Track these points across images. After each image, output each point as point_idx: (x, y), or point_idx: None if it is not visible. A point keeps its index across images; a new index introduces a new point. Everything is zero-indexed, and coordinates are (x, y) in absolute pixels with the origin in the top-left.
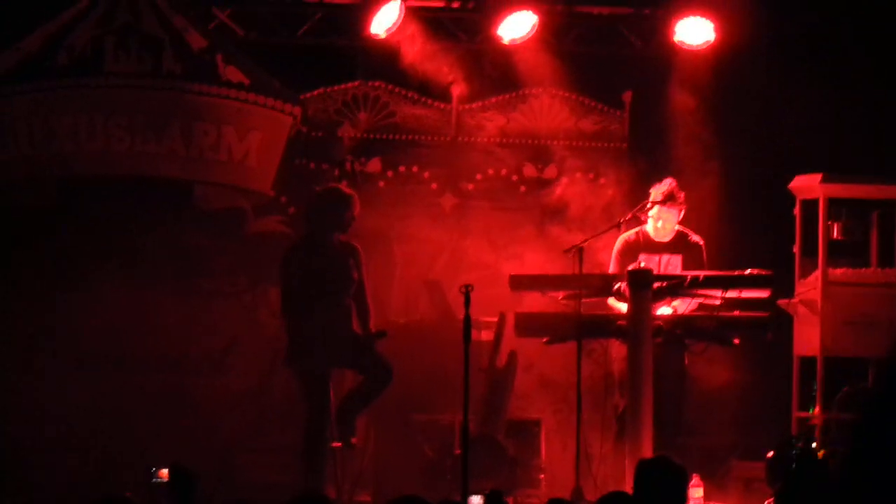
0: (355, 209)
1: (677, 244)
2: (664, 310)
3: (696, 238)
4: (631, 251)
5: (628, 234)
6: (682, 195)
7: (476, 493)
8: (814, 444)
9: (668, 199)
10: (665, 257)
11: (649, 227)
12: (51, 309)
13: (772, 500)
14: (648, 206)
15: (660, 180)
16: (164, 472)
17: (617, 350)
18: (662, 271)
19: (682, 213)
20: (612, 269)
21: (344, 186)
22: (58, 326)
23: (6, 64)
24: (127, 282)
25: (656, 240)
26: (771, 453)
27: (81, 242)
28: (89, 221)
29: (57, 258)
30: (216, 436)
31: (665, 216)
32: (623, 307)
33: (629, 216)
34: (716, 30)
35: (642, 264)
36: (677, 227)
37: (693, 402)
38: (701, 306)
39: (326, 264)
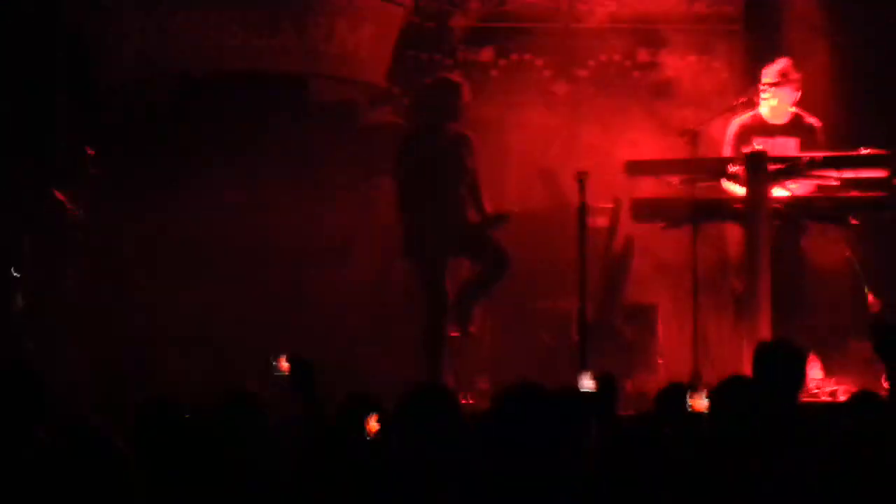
0: (466, 97)
1: (793, 126)
2: (780, 192)
3: (811, 120)
4: (746, 134)
5: (743, 118)
6: (797, 75)
7: (589, 374)
8: None
9: (782, 79)
10: (780, 140)
11: (764, 110)
12: (169, 207)
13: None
14: (762, 87)
15: (773, 62)
16: (284, 363)
17: (733, 233)
18: (778, 153)
19: (798, 94)
20: (726, 152)
21: (453, 75)
22: (177, 224)
23: None
24: (244, 177)
25: (771, 122)
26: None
27: (197, 139)
28: (204, 118)
29: (173, 156)
30: (337, 329)
31: (780, 96)
32: (739, 190)
33: (743, 99)
34: None
35: (758, 147)
36: (792, 108)
37: (810, 282)
38: (818, 188)
39: (439, 154)
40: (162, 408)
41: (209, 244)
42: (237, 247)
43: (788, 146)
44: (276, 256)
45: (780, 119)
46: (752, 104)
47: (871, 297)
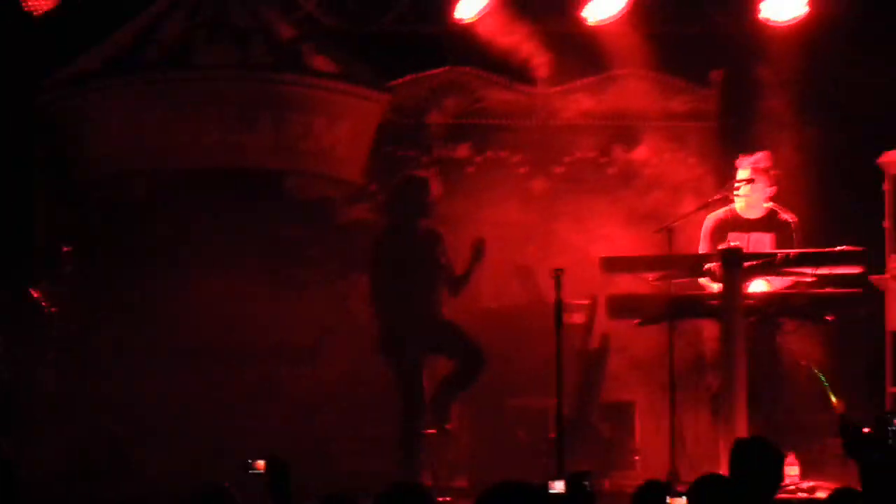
0: (434, 192)
1: (768, 222)
2: (758, 285)
3: (787, 216)
4: (721, 230)
5: (718, 213)
6: (772, 169)
7: (560, 477)
8: None
9: (757, 174)
10: (755, 235)
11: (739, 205)
12: (143, 302)
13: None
14: (737, 183)
15: (749, 154)
16: (261, 463)
17: (709, 330)
18: (753, 249)
19: (773, 189)
20: (702, 248)
21: (420, 172)
22: (151, 319)
23: (98, 58)
24: (219, 273)
25: (746, 217)
26: (866, 430)
27: (173, 235)
28: (180, 214)
29: (148, 251)
30: (311, 425)
31: (754, 190)
32: (715, 287)
33: (719, 196)
34: (806, 6)
35: (732, 243)
36: (768, 204)
37: (787, 380)
38: (795, 283)
39: (411, 252)
40: None
41: (186, 340)
42: (212, 342)
43: (764, 241)
44: (251, 352)
45: (755, 214)
46: (728, 200)
47: (834, 401)
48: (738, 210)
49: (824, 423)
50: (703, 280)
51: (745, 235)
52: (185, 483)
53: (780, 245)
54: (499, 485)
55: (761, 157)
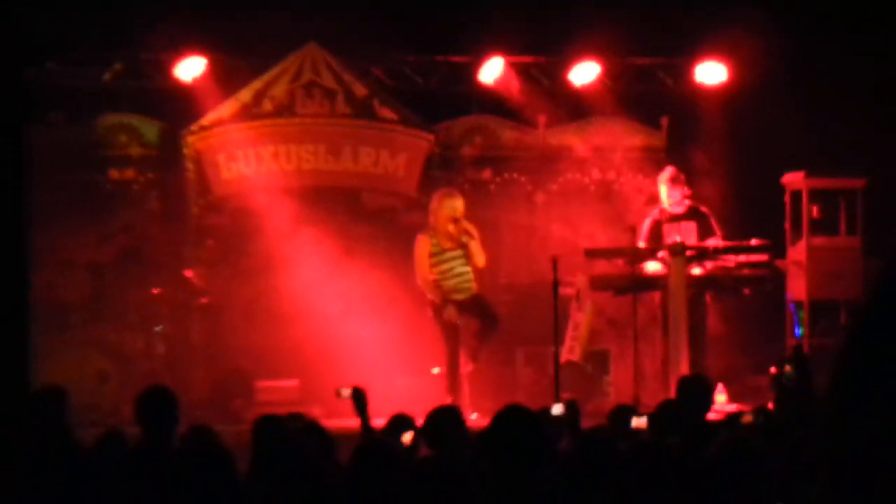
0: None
1: (690, 214)
2: (695, 270)
3: (704, 209)
4: (657, 225)
5: (653, 213)
6: (682, 177)
7: (558, 402)
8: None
9: (672, 181)
10: (684, 224)
11: (667, 205)
12: (261, 278)
13: (772, 403)
14: (661, 190)
15: (687, 178)
16: (346, 391)
17: (661, 299)
18: (683, 236)
19: (686, 189)
20: (642, 237)
21: (451, 188)
22: (266, 290)
23: (228, 110)
24: (313, 259)
25: (673, 213)
26: (772, 369)
27: (282, 233)
28: (287, 219)
29: (265, 244)
30: (379, 364)
31: (672, 193)
32: (657, 267)
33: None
34: (727, 72)
35: (677, 239)
36: (687, 201)
37: (716, 335)
38: (720, 267)
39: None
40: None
41: (290, 305)
42: (308, 307)
43: (691, 229)
44: (336, 313)
45: (680, 209)
46: (656, 201)
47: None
48: (668, 208)
49: (743, 365)
50: (654, 264)
51: (676, 225)
52: (296, 404)
53: (702, 231)
54: (511, 406)
55: (673, 170)
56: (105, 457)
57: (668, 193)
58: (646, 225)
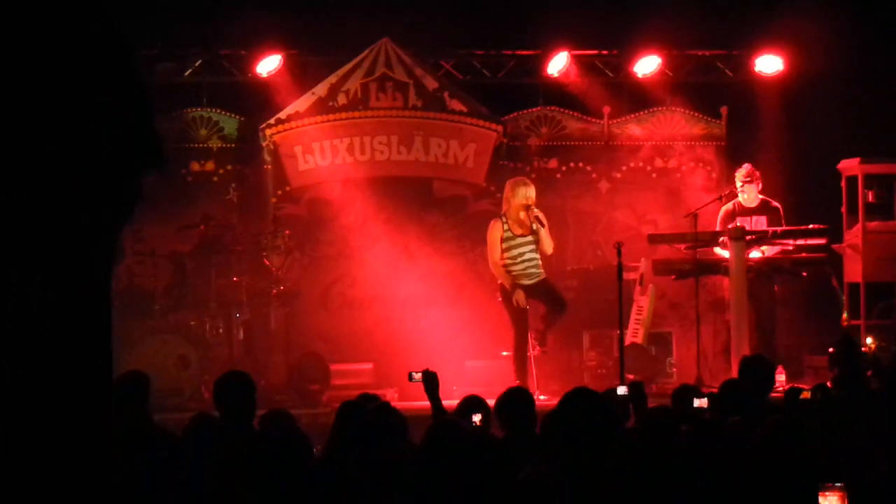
0: (531, 198)
1: (762, 208)
2: (755, 254)
3: (775, 203)
4: (729, 216)
5: (727, 205)
6: (757, 174)
7: (623, 384)
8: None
9: (747, 179)
10: (754, 218)
11: (741, 198)
12: (337, 265)
13: (830, 382)
14: (737, 185)
15: (741, 167)
16: (418, 375)
17: (723, 282)
18: (753, 227)
19: (760, 185)
20: (717, 228)
21: (524, 177)
22: (341, 277)
23: (305, 104)
24: (387, 247)
25: (747, 206)
26: (832, 349)
27: (356, 221)
28: (361, 207)
29: (340, 232)
30: (453, 347)
31: (747, 189)
32: (726, 253)
33: (727, 192)
34: (784, 63)
35: (738, 224)
36: (760, 196)
37: (777, 316)
38: (781, 251)
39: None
40: None
41: (363, 291)
42: (381, 293)
43: (762, 222)
44: (407, 299)
45: (753, 203)
46: (733, 195)
47: (844, 316)
48: (742, 202)
49: (801, 345)
50: (718, 249)
51: (749, 219)
52: (370, 387)
53: (771, 224)
54: (578, 389)
55: (749, 167)
56: (197, 440)
57: (742, 188)
58: (721, 215)
